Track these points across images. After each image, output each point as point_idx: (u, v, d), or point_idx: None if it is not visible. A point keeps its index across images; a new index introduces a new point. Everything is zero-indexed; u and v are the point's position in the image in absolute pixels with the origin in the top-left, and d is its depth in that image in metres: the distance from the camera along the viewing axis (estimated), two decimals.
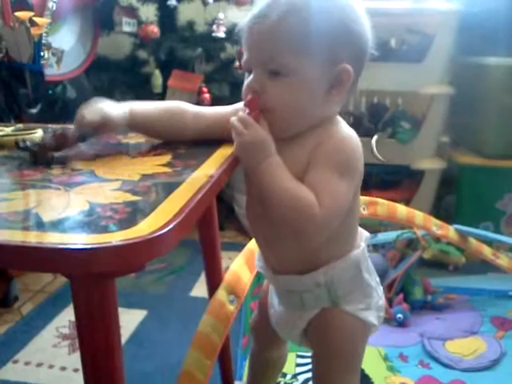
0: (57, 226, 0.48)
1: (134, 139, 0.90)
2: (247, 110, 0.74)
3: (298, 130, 0.77)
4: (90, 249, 0.43)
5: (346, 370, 0.86)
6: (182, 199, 0.55)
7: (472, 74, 2.04)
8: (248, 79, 0.76)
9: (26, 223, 0.50)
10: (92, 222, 0.48)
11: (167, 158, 0.76)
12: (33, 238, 0.46)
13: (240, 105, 0.85)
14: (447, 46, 1.95)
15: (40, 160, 0.73)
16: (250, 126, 0.72)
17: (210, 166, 0.71)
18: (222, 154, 0.80)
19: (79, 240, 0.45)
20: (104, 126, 0.80)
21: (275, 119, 0.74)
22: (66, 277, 0.48)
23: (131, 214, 0.51)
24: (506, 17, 1.87)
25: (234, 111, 0.85)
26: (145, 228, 0.46)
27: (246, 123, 0.72)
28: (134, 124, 0.84)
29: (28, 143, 0.76)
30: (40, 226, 0.48)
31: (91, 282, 0.46)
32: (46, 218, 0.50)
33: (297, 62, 0.72)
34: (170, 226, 0.47)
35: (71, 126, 0.82)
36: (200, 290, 1.74)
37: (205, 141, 0.85)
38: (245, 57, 0.77)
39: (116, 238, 0.44)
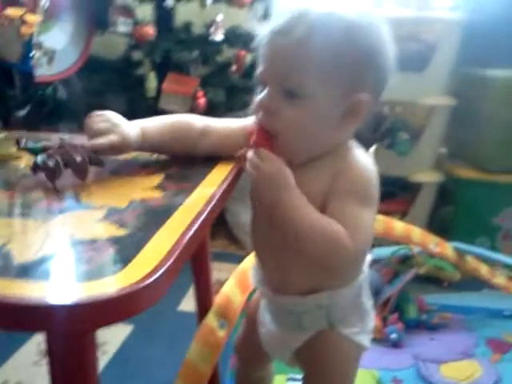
0: (30, 270, 0.42)
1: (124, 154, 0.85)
2: (255, 138, 0.70)
3: (308, 157, 0.73)
4: (67, 305, 0.37)
5: None
6: (174, 234, 0.50)
7: (474, 86, 1.99)
8: (261, 94, 0.71)
9: None
10: (71, 265, 0.43)
11: (158, 178, 0.71)
12: None
13: (251, 120, 0.81)
14: (450, 56, 1.90)
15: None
16: (266, 158, 0.68)
17: (206, 190, 0.66)
18: (218, 174, 0.75)
19: (55, 292, 0.39)
20: (121, 146, 0.76)
21: (283, 144, 0.70)
22: None
23: (115, 256, 0.45)
24: (510, 28, 1.82)
25: (245, 127, 0.81)
26: (130, 276, 0.41)
27: (261, 156, 0.68)
28: (145, 144, 0.80)
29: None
30: (10, 270, 0.42)
31: (68, 337, 0.41)
32: (19, 258, 0.44)
33: (315, 85, 0.68)
34: (159, 273, 0.42)
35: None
36: (188, 304, 1.68)
37: (200, 158, 0.80)
38: (261, 68, 0.72)
39: (97, 289, 0.39)
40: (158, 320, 1.58)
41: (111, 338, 1.52)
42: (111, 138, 0.74)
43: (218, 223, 2.21)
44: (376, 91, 0.72)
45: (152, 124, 0.82)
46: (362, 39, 0.69)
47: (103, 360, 1.43)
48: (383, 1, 1.94)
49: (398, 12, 1.90)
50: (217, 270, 1.91)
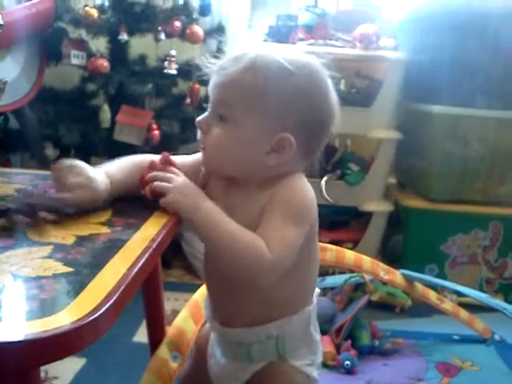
0: None
1: None
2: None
3: (231, 174, 0.80)
4: (6, 343, 0.38)
5: None
6: (118, 273, 0.51)
7: (417, 121, 2.09)
8: (201, 116, 0.80)
9: None
10: (14, 303, 0.44)
11: (107, 214, 0.72)
12: None
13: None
14: (394, 92, 1.99)
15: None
16: (172, 178, 0.75)
17: (152, 227, 0.68)
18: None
19: None
20: (91, 202, 0.75)
21: (208, 158, 0.79)
22: None
23: (58, 294, 0.46)
24: (449, 68, 1.93)
25: (199, 160, 0.85)
26: (70, 314, 0.42)
27: (169, 178, 0.75)
28: (113, 193, 0.79)
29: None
30: None
31: (8, 374, 0.41)
32: None
33: (242, 114, 0.75)
34: (101, 311, 0.43)
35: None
36: (144, 335, 1.64)
37: None
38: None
39: (37, 327, 0.40)
40: (112, 352, 1.55)
41: (63, 372, 1.48)
42: (82, 194, 0.73)
43: (175, 252, 2.20)
44: (303, 136, 0.76)
45: (118, 171, 0.81)
46: (290, 83, 0.74)
47: None
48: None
49: (346, 51, 1.98)
50: (173, 300, 1.91)
